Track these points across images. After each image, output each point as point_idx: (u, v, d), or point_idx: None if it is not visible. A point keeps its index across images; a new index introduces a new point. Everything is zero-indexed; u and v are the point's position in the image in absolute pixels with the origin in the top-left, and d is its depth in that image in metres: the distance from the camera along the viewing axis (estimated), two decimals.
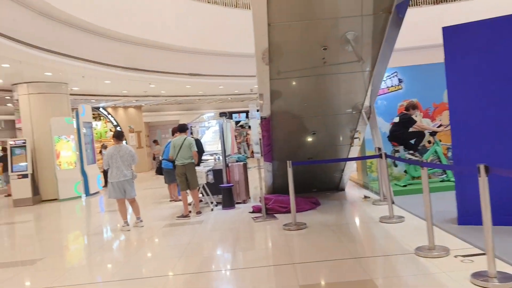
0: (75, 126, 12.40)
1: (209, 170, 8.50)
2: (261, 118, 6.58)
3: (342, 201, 8.17)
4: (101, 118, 21.49)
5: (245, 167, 8.84)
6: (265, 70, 5.60)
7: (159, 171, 9.48)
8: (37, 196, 11.82)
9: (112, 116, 19.88)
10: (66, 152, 12.16)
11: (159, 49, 13.43)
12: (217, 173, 8.62)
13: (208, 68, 15.68)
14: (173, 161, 9.46)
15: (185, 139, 7.61)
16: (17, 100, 12.13)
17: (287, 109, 6.53)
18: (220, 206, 8.28)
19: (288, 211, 7.10)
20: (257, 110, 7.09)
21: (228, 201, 8.14)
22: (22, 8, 8.31)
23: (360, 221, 6.51)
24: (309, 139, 7.34)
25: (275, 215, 7.06)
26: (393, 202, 6.22)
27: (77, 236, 7.58)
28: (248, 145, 17.75)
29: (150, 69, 13.77)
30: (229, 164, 8.73)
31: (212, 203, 8.32)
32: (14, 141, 11.95)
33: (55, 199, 11.82)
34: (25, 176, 11.61)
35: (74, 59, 10.54)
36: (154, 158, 18.55)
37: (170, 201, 9.64)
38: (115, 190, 6.90)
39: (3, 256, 6.06)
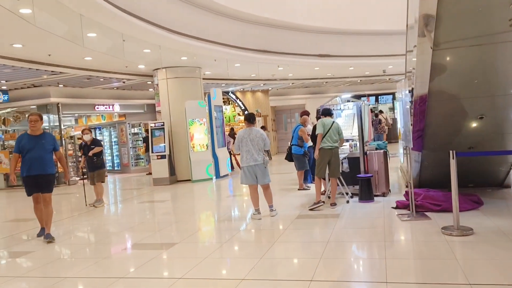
0: (207, 110, 12.68)
1: (344, 158, 7.71)
2: (415, 99, 5.52)
3: (510, 201, 6.66)
4: (230, 102, 22.07)
5: (385, 155, 7.83)
6: (425, 40, 4.56)
7: (289, 157, 8.96)
8: (173, 176, 12.42)
9: (240, 100, 20.20)
10: (199, 135, 12.50)
11: (289, 30, 12.94)
12: (352, 161, 7.79)
13: (338, 49, 14.72)
14: (302, 146, 8.97)
15: (333, 122, 6.97)
16: (157, 84, 12.81)
17: (449, 88, 5.34)
18: (356, 198, 7.47)
19: (442, 210, 6.03)
20: (409, 91, 6.02)
21: (367, 194, 7.26)
22: None
23: None
24: (473, 124, 6.01)
25: (426, 213, 6.00)
26: None
27: (209, 220, 7.50)
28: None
29: (279, 51, 13.37)
30: (367, 152, 7.81)
31: (347, 194, 7.53)
32: (154, 123, 12.68)
33: (189, 180, 12.27)
34: (163, 157, 12.26)
35: (207, 42, 10.60)
36: None
37: (299, 189, 9.11)
38: (246, 176, 6.59)
39: (143, 236, 6.17)
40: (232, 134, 21.62)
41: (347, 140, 8.30)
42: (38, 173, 5.95)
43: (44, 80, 12.57)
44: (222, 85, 17.05)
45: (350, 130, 8.88)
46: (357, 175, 7.46)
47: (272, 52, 13.22)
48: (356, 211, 6.71)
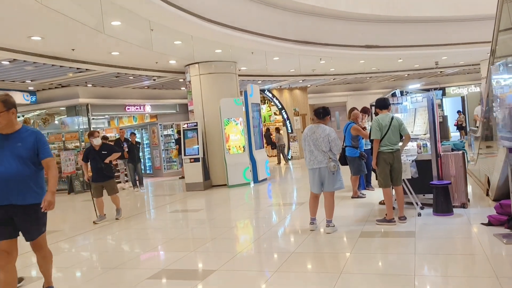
0: (243, 108, 11.56)
1: (412, 161, 6.36)
2: None
3: None
4: (266, 101, 20.91)
5: (463, 157, 6.42)
6: None
7: (343, 160, 7.66)
8: (207, 181, 11.39)
9: (277, 99, 18.99)
10: (235, 136, 11.41)
11: (333, 19, 11.69)
12: (421, 165, 6.42)
13: (387, 39, 13.32)
14: (357, 147, 7.70)
15: (392, 118, 5.67)
16: (189, 81, 11.82)
17: None
18: (427, 210, 6.14)
19: None
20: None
21: (444, 205, 5.90)
22: None
23: None
24: None
25: None
26: None
27: (250, 237, 6.31)
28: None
29: (322, 42, 12.11)
30: (441, 154, 6.44)
31: (417, 204, 6.19)
32: (187, 124, 11.68)
33: (224, 185, 11.21)
34: (196, 160, 11.25)
35: (244, 32, 9.51)
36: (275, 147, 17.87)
37: (353, 197, 7.82)
38: (311, 180, 5.62)
39: (173, 258, 5.09)
40: (268, 134, 20.49)
41: (416, 139, 6.95)
42: (6, 203, 3.34)
43: (71, 79, 11.83)
44: (259, 82, 15.91)
45: (410, 127, 7.53)
46: (431, 182, 6.10)
47: (314, 43, 11.99)
48: (434, 227, 5.37)
